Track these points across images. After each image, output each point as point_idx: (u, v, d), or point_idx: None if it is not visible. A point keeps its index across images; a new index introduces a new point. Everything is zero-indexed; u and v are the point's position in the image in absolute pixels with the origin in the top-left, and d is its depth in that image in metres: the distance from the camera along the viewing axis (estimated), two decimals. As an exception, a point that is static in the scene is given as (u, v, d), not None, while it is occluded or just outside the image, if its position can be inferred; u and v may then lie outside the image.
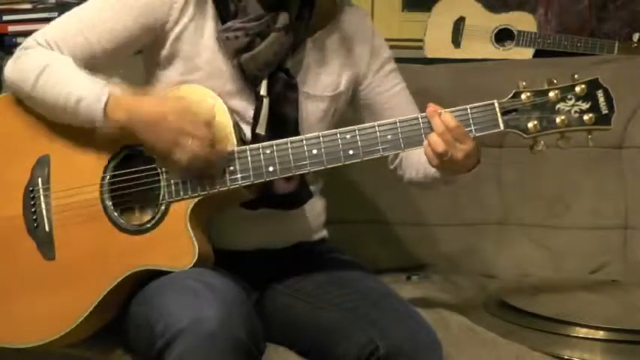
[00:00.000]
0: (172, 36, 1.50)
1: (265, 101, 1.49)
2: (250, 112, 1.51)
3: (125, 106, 1.39)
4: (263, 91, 1.49)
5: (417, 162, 1.62)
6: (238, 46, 1.48)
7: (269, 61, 1.49)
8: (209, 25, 1.51)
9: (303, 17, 1.53)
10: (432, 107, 1.40)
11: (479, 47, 2.69)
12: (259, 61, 1.48)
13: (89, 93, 1.40)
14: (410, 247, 2.17)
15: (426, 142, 1.39)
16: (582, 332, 1.60)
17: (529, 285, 1.99)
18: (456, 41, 2.71)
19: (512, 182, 2.21)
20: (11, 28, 2.33)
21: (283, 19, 1.48)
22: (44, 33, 1.49)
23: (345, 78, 1.62)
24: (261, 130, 1.49)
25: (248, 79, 1.51)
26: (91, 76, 1.43)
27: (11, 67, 1.49)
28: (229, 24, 1.49)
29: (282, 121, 1.50)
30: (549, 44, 2.62)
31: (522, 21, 2.68)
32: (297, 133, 1.51)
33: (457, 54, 2.69)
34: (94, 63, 1.48)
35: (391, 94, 1.66)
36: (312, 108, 1.58)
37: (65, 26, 1.50)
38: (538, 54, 2.64)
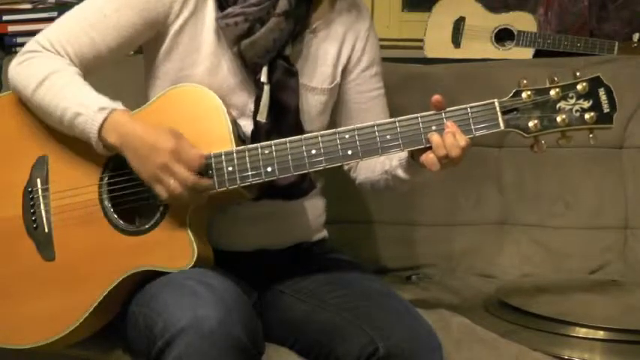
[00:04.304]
0: (173, 30, 1.50)
1: (266, 88, 1.49)
2: (251, 106, 1.51)
3: (120, 129, 1.38)
4: (264, 78, 1.49)
5: (373, 161, 1.60)
6: (238, 32, 1.47)
7: (269, 47, 1.48)
8: (209, 17, 1.51)
9: (303, 4, 1.52)
10: (437, 97, 1.38)
11: (479, 47, 2.69)
12: (259, 47, 1.47)
13: (87, 110, 1.38)
14: (410, 247, 2.16)
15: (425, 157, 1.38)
16: (582, 332, 1.60)
17: (529, 285, 1.98)
18: (456, 41, 2.71)
19: (512, 182, 2.21)
20: (11, 28, 2.32)
21: (283, 4, 1.47)
22: (47, 34, 1.48)
23: (339, 70, 1.62)
24: (262, 117, 1.48)
25: (248, 68, 1.50)
26: (94, 92, 1.42)
27: (15, 70, 1.47)
28: (229, 10, 1.48)
29: (282, 108, 1.50)
30: (549, 44, 2.62)
31: (522, 21, 2.68)
32: (297, 121, 1.51)
33: (457, 54, 2.69)
34: (98, 62, 1.48)
35: (370, 97, 1.66)
36: (312, 101, 1.58)
37: (69, 26, 1.49)
38: (538, 54, 2.63)
